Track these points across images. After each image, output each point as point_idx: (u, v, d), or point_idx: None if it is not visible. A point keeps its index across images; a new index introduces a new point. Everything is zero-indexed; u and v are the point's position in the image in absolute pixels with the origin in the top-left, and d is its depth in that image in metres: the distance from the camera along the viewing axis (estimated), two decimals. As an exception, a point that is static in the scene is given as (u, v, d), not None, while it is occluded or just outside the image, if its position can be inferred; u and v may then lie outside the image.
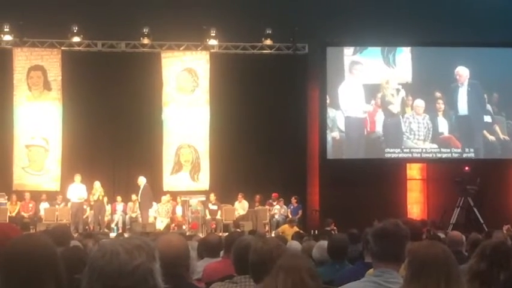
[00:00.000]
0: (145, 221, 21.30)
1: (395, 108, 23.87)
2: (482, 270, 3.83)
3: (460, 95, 24.11)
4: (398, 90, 23.89)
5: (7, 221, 19.83)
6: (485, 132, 24.02)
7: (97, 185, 21.69)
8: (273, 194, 23.06)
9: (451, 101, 24.07)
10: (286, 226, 19.94)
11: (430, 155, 23.96)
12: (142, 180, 21.78)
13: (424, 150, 23.91)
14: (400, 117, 23.86)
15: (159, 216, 22.12)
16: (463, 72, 24.03)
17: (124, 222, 22.33)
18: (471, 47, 24.33)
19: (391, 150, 23.85)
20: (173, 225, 22.11)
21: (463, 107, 24.10)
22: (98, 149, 23.59)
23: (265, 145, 23.45)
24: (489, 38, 23.78)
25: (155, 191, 22.43)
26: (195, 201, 22.18)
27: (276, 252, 4.29)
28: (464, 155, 23.97)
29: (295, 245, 8.85)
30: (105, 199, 22.04)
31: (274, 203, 22.86)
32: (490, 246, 3.93)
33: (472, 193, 22.68)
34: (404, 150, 23.88)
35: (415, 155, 24.00)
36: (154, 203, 22.18)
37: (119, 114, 23.54)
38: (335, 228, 20.20)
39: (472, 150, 24.01)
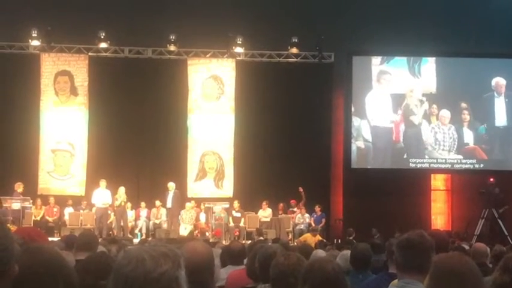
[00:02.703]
0: (175, 227, 21.39)
1: (417, 118, 23.77)
2: (506, 283, 3.80)
3: (497, 105, 23.95)
4: (422, 102, 23.79)
5: (32, 225, 19.98)
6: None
7: (121, 190, 21.76)
8: (291, 201, 23.00)
9: (483, 111, 23.91)
10: (308, 235, 19.92)
11: (455, 166, 23.82)
12: (172, 186, 21.90)
13: (448, 161, 23.78)
14: (426, 127, 23.75)
15: (183, 222, 22.16)
16: (502, 83, 23.88)
17: (147, 228, 22.37)
18: (494, 58, 24.15)
19: (416, 160, 23.75)
20: (196, 231, 22.12)
21: (501, 118, 23.93)
22: (123, 154, 23.67)
23: (289, 153, 23.45)
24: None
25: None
26: (218, 208, 22.14)
27: (297, 268, 4.28)
28: (489, 166, 23.82)
29: (320, 254, 8.79)
30: (128, 205, 22.12)
31: (295, 209, 22.82)
32: (513, 259, 3.90)
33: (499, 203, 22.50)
34: (429, 160, 23.76)
35: (439, 165, 23.88)
36: (179, 210, 22.31)
37: (144, 121, 23.65)
38: (349, 238, 20.14)
39: (500, 161, 23.91)
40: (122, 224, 21.80)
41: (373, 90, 23.95)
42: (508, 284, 3.76)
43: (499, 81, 23.96)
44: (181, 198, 22.28)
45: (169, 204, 21.87)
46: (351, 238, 19.76)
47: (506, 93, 23.94)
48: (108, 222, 21.91)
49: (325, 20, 23.37)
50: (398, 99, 23.84)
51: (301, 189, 22.78)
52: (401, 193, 22.84)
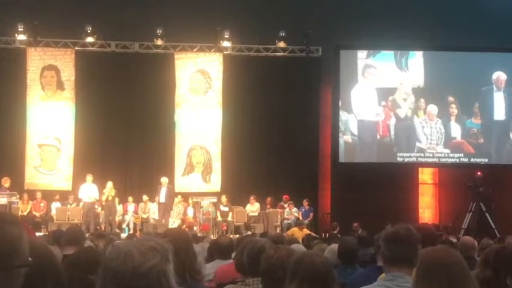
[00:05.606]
0: (166, 223, 21.36)
1: (405, 112, 23.79)
2: (488, 277, 3.79)
3: (496, 99, 24.00)
4: (408, 94, 23.82)
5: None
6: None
7: (109, 185, 21.75)
8: (284, 196, 23.01)
9: (482, 104, 23.92)
10: (295, 229, 19.91)
11: (442, 160, 23.87)
12: (165, 181, 21.90)
13: (436, 155, 23.82)
14: (413, 121, 23.79)
15: (170, 217, 22.16)
16: (503, 77, 23.93)
17: (135, 223, 22.35)
18: (481, 52, 24.20)
19: (403, 154, 23.78)
20: (184, 226, 22.09)
21: (499, 112, 23.99)
22: (110, 149, 23.65)
23: (277, 147, 23.45)
24: (501, 43, 23.75)
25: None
26: (206, 202, 22.18)
27: (287, 261, 4.28)
28: (478, 160, 23.90)
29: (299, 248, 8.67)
30: (117, 200, 22.10)
31: (285, 205, 22.82)
32: (492, 252, 3.89)
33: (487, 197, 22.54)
34: (417, 154, 23.80)
35: (427, 159, 23.93)
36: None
37: (131, 115, 23.61)
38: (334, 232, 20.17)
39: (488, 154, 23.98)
40: (110, 218, 21.79)
41: (359, 84, 23.96)
42: (491, 278, 3.75)
43: (500, 76, 23.99)
44: (175, 193, 22.30)
45: (162, 199, 21.84)
46: (335, 232, 19.81)
47: (506, 88, 24.00)
48: (98, 215, 21.90)
49: (312, 14, 23.37)
50: (385, 93, 23.86)
51: (287, 197, 22.88)
52: (389, 187, 22.88)
